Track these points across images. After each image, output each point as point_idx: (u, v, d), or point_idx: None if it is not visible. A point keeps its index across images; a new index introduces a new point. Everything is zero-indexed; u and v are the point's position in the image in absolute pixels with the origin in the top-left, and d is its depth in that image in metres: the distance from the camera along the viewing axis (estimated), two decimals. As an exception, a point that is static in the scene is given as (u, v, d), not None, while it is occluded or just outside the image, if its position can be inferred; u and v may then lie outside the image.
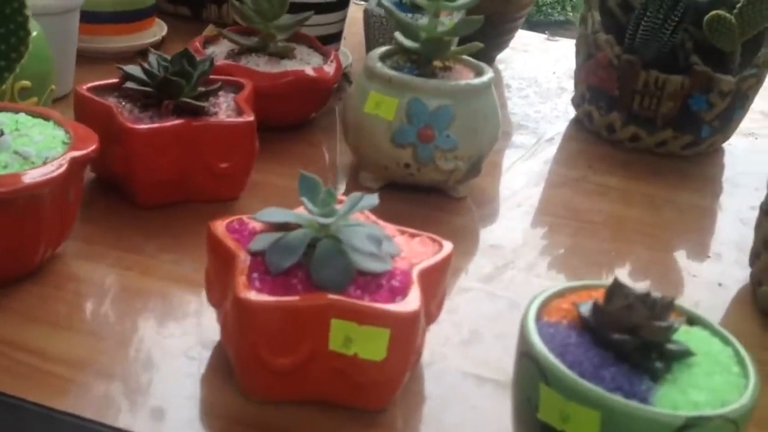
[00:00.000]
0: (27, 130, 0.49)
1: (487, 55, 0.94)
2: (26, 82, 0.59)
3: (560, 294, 0.40)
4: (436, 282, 0.45)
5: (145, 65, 0.59)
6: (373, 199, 0.45)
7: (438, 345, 0.48)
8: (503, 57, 0.97)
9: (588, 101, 0.80)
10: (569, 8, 3.27)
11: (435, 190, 0.65)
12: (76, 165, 0.47)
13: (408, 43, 0.65)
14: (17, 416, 0.41)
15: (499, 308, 0.53)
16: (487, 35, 0.80)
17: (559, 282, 0.55)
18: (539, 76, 0.94)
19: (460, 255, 0.58)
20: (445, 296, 0.47)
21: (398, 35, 0.66)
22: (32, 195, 0.44)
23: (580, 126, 0.82)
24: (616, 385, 0.34)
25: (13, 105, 0.52)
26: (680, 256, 0.63)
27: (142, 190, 0.57)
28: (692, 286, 0.58)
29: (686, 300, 0.52)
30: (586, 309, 0.37)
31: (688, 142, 0.76)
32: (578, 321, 0.37)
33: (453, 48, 0.65)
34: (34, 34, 0.59)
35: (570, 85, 0.90)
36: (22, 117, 0.50)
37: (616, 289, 0.37)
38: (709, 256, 0.62)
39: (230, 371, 0.43)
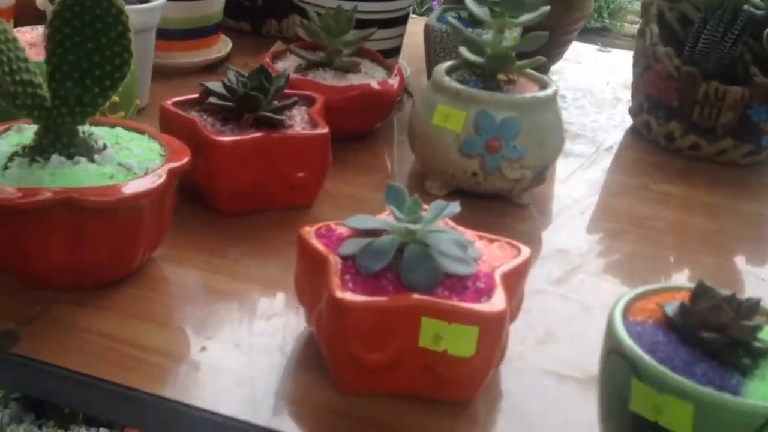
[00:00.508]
0: (126, 143, 0.52)
1: (543, 67, 0.96)
2: (116, 98, 0.62)
3: (643, 296, 0.41)
4: (515, 284, 0.47)
5: (226, 81, 0.62)
6: (455, 207, 0.47)
7: (515, 344, 0.50)
8: (557, 68, 0.98)
9: (646, 111, 0.81)
10: (605, 15, 3.28)
11: (499, 197, 0.67)
12: (172, 176, 0.50)
13: (473, 57, 0.67)
14: (126, 403, 0.43)
15: (571, 310, 0.55)
16: (543, 48, 0.82)
17: (627, 286, 0.57)
18: (593, 87, 0.95)
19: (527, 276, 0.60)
20: (523, 298, 0.49)
21: (463, 50, 0.68)
22: (135, 204, 0.47)
23: (637, 135, 0.83)
24: (708, 379, 0.35)
25: (109, 120, 0.55)
26: (743, 262, 0.64)
27: (224, 200, 0.60)
28: (761, 291, 0.59)
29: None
30: (672, 309, 0.39)
31: (748, 151, 0.77)
32: (664, 320, 0.39)
33: (517, 63, 0.67)
34: (120, 52, 0.63)
35: (624, 95, 0.91)
36: (119, 131, 0.53)
37: (702, 290, 0.39)
38: (773, 263, 0.63)
39: (320, 366, 0.46)
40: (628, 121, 0.85)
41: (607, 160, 0.79)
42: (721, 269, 0.62)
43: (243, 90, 0.61)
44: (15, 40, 0.46)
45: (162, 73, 0.84)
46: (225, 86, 0.62)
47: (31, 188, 0.45)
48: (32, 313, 0.48)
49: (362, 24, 0.78)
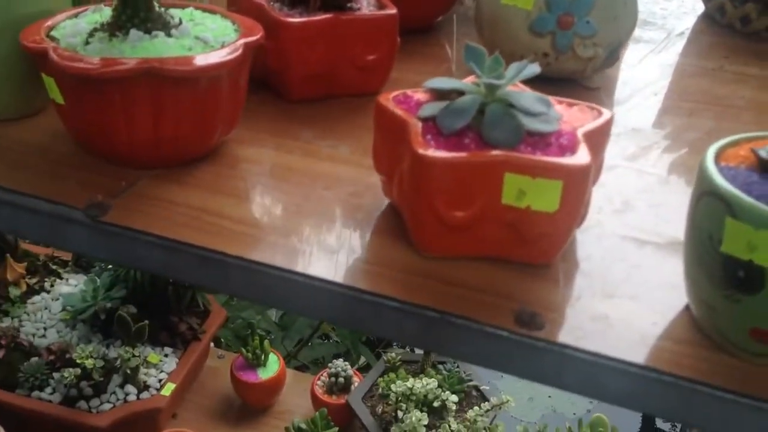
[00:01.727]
0: (200, 20, 0.52)
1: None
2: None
3: (735, 143, 0.40)
4: (598, 145, 0.46)
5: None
6: (535, 67, 0.46)
7: (593, 213, 0.50)
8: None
9: (719, -6, 0.78)
10: None
11: (569, 81, 0.66)
12: (248, 50, 0.50)
13: (542, -67, 0.65)
14: (213, 267, 0.45)
15: (648, 182, 0.54)
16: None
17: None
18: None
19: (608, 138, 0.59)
20: (603, 162, 0.48)
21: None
22: (213, 76, 0.47)
23: (710, 21, 0.80)
24: (805, 214, 0.34)
25: (180, 2, 0.55)
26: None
27: (294, 83, 0.60)
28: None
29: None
30: (766, 152, 0.38)
31: (828, 30, 0.74)
32: (758, 163, 0.38)
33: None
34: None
35: (694, -17, 0.88)
36: (192, 11, 0.54)
37: (796, 132, 0.38)
38: None
39: (402, 234, 0.46)
40: (700, 8, 0.82)
41: (679, 45, 0.76)
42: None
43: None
44: None
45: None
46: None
47: (113, 58, 0.45)
48: (118, 187, 0.49)
49: None
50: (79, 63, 0.45)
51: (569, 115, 0.47)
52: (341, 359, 1.41)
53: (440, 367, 1.38)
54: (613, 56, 0.64)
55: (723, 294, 0.37)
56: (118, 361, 1.19)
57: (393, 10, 0.61)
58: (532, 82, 0.64)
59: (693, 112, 0.64)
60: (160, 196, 0.49)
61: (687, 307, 0.42)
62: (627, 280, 0.45)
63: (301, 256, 0.45)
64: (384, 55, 0.61)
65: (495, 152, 0.42)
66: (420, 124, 0.44)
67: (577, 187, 0.42)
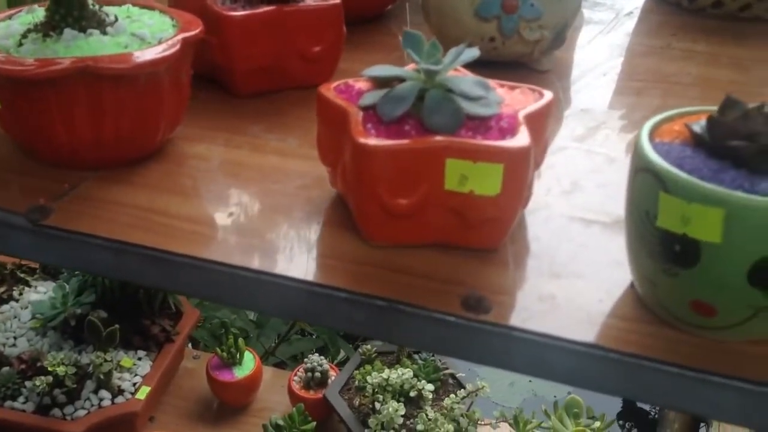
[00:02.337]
0: (137, 17, 0.51)
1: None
2: (123, -17, 0.61)
3: (670, 119, 0.41)
4: (540, 127, 0.46)
5: (232, -42, 0.61)
6: (474, 51, 0.46)
7: (541, 195, 0.50)
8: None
9: (666, -28, 0.79)
10: None
11: (519, 65, 0.66)
12: (186, 45, 0.49)
13: None
14: (163, 266, 0.44)
15: (596, 162, 0.54)
16: None
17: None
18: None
19: (550, 119, 0.59)
20: (547, 145, 0.48)
21: None
22: (152, 72, 0.47)
23: (659, 0, 0.81)
24: (737, 185, 0.35)
25: (118, 0, 0.55)
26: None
27: (239, 78, 0.60)
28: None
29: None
30: (699, 126, 0.38)
31: (773, 4, 0.75)
32: (691, 138, 0.38)
33: None
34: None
35: (644, -38, 0.88)
36: (129, 8, 0.53)
37: (730, 103, 0.38)
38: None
39: (349, 225, 0.46)
40: (649, -13, 0.83)
41: (628, 25, 0.77)
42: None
43: (251, -35, 0.60)
44: None
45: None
46: (232, -37, 0.61)
47: (47, 59, 0.45)
48: (60, 190, 0.48)
49: None
50: (12, 65, 0.44)
51: (511, 98, 0.47)
52: (317, 354, 1.41)
53: (416, 357, 1.38)
54: (559, 38, 0.64)
55: (662, 268, 0.38)
56: (91, 367, 1.18)
57: (337, 0, 0.61)
58: (480, 66, 0.64)
59: (641, 91, 0.64)
60: (105, 198, 0.48)
61: (632, 284, 0.42)
62: (574, 259, 0.45)
63: (250, 252, 0.45)
64: (330, 45, 0.61)
65: (436, 138, 0.42)
66: (361, 113, 0.44)
67: (518, 169, 0.42)
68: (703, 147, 0.37)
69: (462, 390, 1.28)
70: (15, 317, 1.28)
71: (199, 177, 0.51)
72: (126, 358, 1.25)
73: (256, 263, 0.44)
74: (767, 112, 0.37)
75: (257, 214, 0.48)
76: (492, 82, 0.48)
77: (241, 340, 1.39)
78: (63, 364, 1.17)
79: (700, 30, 0.74)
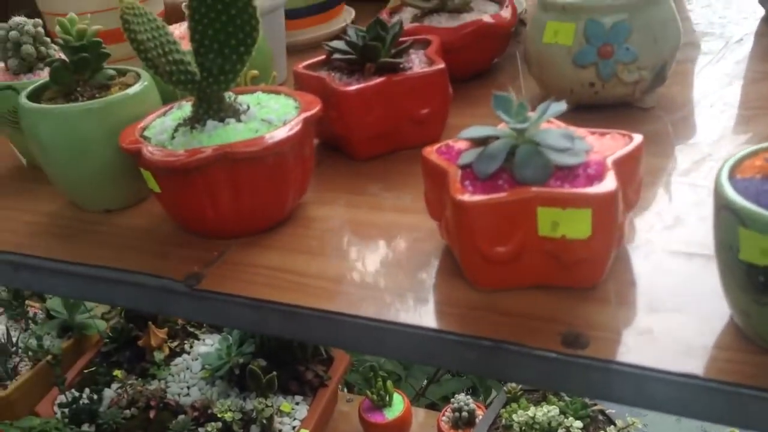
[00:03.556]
0: (266, 103, 0.59)
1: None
2: (255, 72, 0.70)
3: (753, 153, 0.42)
4: (630, 169, 0.49)
5: (346, 38, 0.68)
6: (561, 105, 0.50)
7: (643, 232, 0.52)
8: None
9: (775, -5, 0.78)
10: None
11: (623, 105, 0.68)
12: (308, 123, 0.56)
13: (577, -30, 0.68)
14: (297, 319, 0.50)
15: (700, 196, 0.56)
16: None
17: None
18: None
19: (657, 156, 0.61)
20: (641, 183, 0.51)
21: (566, -34, 0.70)
22: (278, 152, 0.54)
23: (769, 22, 0.80)
24: (812, 216, 0.36)
25: (249, 88, 0.63)
26: None
27: (358, 144, 0.66)
28: None
29: None
30: (777, 160, 0.40)
31: None
32: (770, 172, 0.40)
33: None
34: (254, 31, 0.71)
35: (754, -14, 0.88)
36: (260, 95, 0.61)
37: (804, 137, 0.39)
38: None
39: (458, 272, 0.50)
40: (760, 11, 0.82)
41: (739, 53, 0.77)
42: None
43: (362, 42, 0.67)
44: (164, 26, 0.54)
45: (295, 50, 0.92)
46: (346, 42, 0.68)
47: (194, 148, 0.53)
48: (211, 258, 0.56)
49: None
50: (167, 156, 0.53)
51: (601, 145, 0.50)
52: (464, 394, 1.45)
53: (562, 394, 1.38)
54: (660, 77, 0.66)
55: (752, 299, 0.39)
56: (254, 413, 1.28)
57: (441, 65, 0.66)
58: (585, 110, 0.68)
59: (751, 120, 0.65)
60: (245, 261, 0.55)
61: (731, 316, 0.43)
62: (673, 293, 0.47)
63: (372, 302, 0.50)
64: (437, 106, 0.66)
65: (526, 190, 0.46)
66: (459, 172, 0.49)
67: (606, 212, 0.45)
68: (781, 180, 0.39)
69: (612, 426, 1.27)
70: (187, 368, 1.41)
71: (324, 237, 0.58)
72: (285, 403, 1.34)
73: (375, 312, 0.49)
74: (843, 142, 0.38)
75: (377, 267, 0.54)
76: (582, 131, 0.51)
77: (389, 383, 1.45)
78: (230, 410, 1.28)
79: (814, 50, 0.73)
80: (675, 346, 0.43)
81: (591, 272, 0.47)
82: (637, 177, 0.50)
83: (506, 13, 0.78)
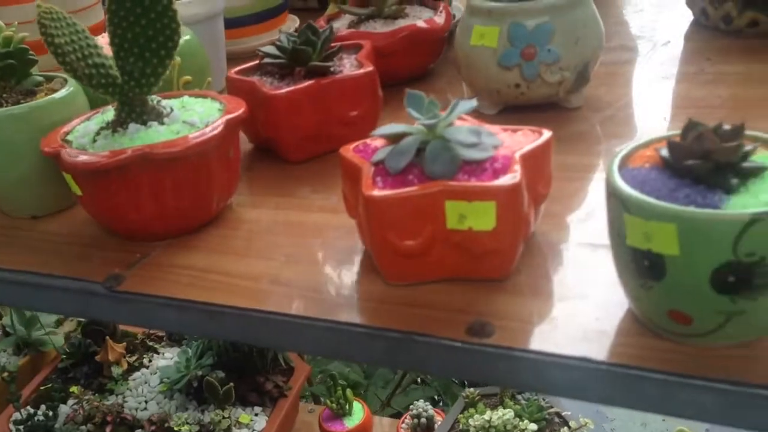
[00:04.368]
0: (191, 106, 0.60)
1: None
2: (188, 77, 0.71)
3: (646, 144, 0.44)
4: (539, 164, 0.50)
5: (278, 43, 0.69)
6: (472, 102, 0.51)
7: (554, 224, 0.53)
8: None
9: (700, -2, 0.80)
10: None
11: (551, 105, 0.70)
12: (230, 125, 0.57)
13: (502, -25, 0.70)
14: (218, 319, 0.51)
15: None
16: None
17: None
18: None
19: (579, 154, 0.63)
20: (551, 177, 0.52)
21: (494, -29, 0.71)
22: (200, 152, 0.55)
23: (698, 26, 0.82)
24: (690, 200, 0.38)
25: (176, 93, 0.63)
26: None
27: (289, 147, 0.67)
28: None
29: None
30: (664, 150, 0.41)
31: (811, 16, 0.75)
32: (659, 162, 0.41)
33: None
34: (187, 37, 0.72)
35: (684, -9, 0.90)
36: (186, 99, 0.62)
37: (691, 126, 0.41)
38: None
39: (373, 267, 0.51)
40: (689, 16, 0.85)
41: (664, 54, 0.79)
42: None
43: (292, 47, 0.68)
44: (84, 30, 0.55)
45: (239, 58, 0.93)
46: (277, 47, 0.69)
47: (115, 150, 0.53)
48: (133, 259, 0.56)
49: (405, -27, 0.83)
50: (86, 159, 0.53)
51: (512, 141, 0.51)
52: (422, 401, 1.45)
53: (519, 397, 1.39)
54: (582, 77, 0.68)
55: (640, 284, 0.40)
56: (212, 425, 1.27)
57: (370, 68, 0.67)
58: (513, 111, 0.69)
59: (675, 118, 0.66)
60: (169, 263, 0.56)
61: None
62: (578, 283, 0.48)
63: (291, 300, 0.51)
64: (367, 108, 0.67)
65: (434, 184, 0.47)
66: (372, 168, 0.50)
67: (509, 204, 0.46)
68: (667, 168, 0.40)
69: (566, 428, 1.28)
70: (145, 383, 1.40)
71: (251, 238, 0.59)
72: (244, 415, 1.34)
73: (293, 309, 0.50)
74: (722, 131, 0.40)
75: (299, 265, 0.54)
76: (495, 128, 0.52)
77: (349, 391, 1.45)
78: (187, 423, 1.27)
79: (736, 51, 0.75)
80: (575, 332, 0.44)
81: (499, 264, 0.48)
82: (546, 171, 0.51)
83: (440, 19, 0.79)
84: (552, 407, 1.34)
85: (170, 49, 0.55)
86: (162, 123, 0.57)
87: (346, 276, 0.52)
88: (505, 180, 0.46)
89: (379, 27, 0.79)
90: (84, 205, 0.58)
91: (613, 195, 0.40)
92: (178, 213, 0.56)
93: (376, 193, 0.47)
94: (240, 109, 0.59)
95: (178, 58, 0.69)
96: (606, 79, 0.74)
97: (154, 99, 0.58)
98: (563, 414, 1.34)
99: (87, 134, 0.57)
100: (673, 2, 0.90)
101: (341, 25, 0.82)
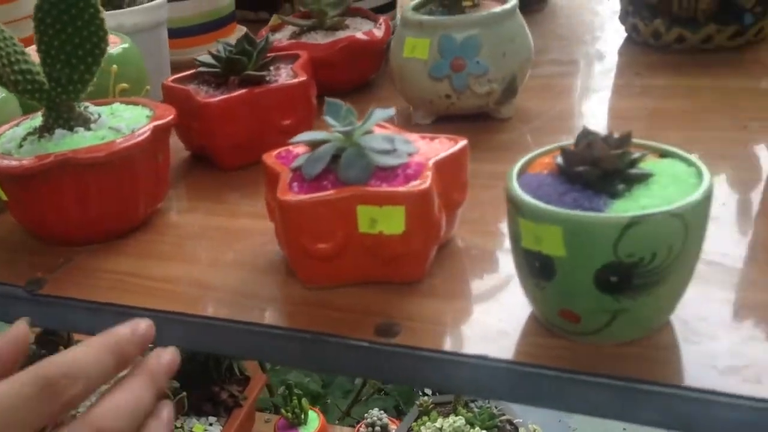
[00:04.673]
0: (120, 113, 0.61)
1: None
2: (124, 85, 0.72)
3: (548, 152, 0.45)
4: (453, 171, 0.52)
5: (214, 52, 0.71)
6: (390, 111, 0.53)
7: (469, 230, 0.55)
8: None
9: (632, 14, 0.83)
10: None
11: (484, 115, 0.72)
12: (158, 131, 0.58)
13: (435, -11, 0.72)
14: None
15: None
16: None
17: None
18: (586, 2, 0.98)
19: (505, 162, 0.64)
20: (467, 184, 0.54)
21: (428, -15, 0.73)
22: (125, 157, 0.56)
23: (630, 42, 0.85)
24: (576, 204, 0.39)
25: (108, 100, 0.64)
26: (714, 130, 0.65)
27: (222, 155, 0.68)
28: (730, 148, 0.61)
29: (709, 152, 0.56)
30: (559, 156, 0.43)
31: (733, 33, 0.78)
32: (556, 168, 0.43)
33: (473, -15, 0.71)
34: (126, 45, 0.72)
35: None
36: (116, 105, 0.63)
37: (584, 134, 0.43)
38: (745, 126, 0.64)
39: (291, 271, 0.52)
40: (623, 32, 0.87)
41: (597, 68, 0.81)
42: (688, 139, 0.63)
43: (227, 56, 0.69)
44: (12, 37, 0.55)
45: (184, 68, 0.93)
46: (213, 56, 0.70)
47: (36, 156, 0.54)
48: (56, 263, 0.57)
49: (348, -14, 0.85)
50: (10, 163, 0.54)
51: (428, 148, 0.52)
52: (377, 409, 1.46)
53: (471, 405, 1.41)
54: (511, 88, 0.70)
55: (534, 283, 0.42)
56: (163, 434, 1.27)
57: (303, 78, 0.69)
58: (446, 121, 0.71)
59: (594, 129, 0.68)
60: (92, 267, 0.56)
61: (534, 303, 0.46)
62: (488, 286, 0.50)
63: (211, 304, 0.52)
64: (300, 117, 0.69)
65: (346, 189, 0.48)
66: (290, 175, 0.51)
67: (418, 209, 0.47)
68: (561, 174, 0.42)
69: (515, 435, 1.30)
70: (98, 392, 1.40)
71: (178, 243, 0.59)
72: (198, 425, 1.34)
73: (212, 312, 0.51)
74: (611, 140, 0.41)
75: (223, 270, 0.55)
76: (413, 136, 0.54)
77: (304, 400, 1.46)
78: (139, 431, 1.27)
79: (664, 66, 0.77)
80: (478, 332, 0.45)
81: (411, 267, 0.49)
82: (461, 178, 0.53)
83: (379, 31, 0.81)
84: (504, 415, 1.35)
85: (97, 56, 0.56)
86: (89, 129, 0.58)
87: (267, 280, 0.53)
88: (415, 186, 0.47)
89: (319, 38, 0.81)
90: (11, 210, 0.59)
91: (509, 200, 0.42)
92: (103, 218, 0.57)
93: (289, 197, 0.48)
94: (169, 116, 0.60)
95: (114, 66, 0.71)
96: (539, 92, 0.76)
97: (81, 105, 0.59)
98: (515, 421, 1.36)
99: (14, 139, 0.58)
100: (610, 19, 0.93)
101: (283, 36, 0.83)
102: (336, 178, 0.49)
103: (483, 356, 0.43)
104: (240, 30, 1.02)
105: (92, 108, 0.60)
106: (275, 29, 0.85)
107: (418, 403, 1.41)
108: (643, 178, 0.40)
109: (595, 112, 0.73)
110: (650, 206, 0.38)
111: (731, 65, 0.76)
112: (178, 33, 0.94)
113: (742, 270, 0.48)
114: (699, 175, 0.41)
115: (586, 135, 0.42)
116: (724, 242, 0.50)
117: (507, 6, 0.69)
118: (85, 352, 0.36)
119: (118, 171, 0.56)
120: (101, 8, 0.56)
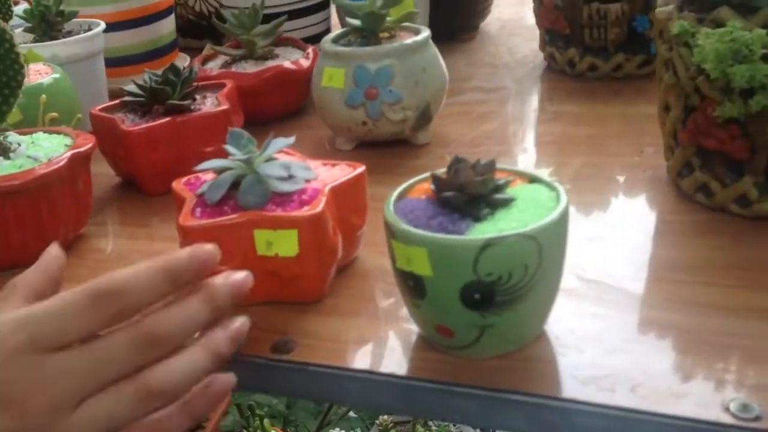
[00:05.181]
0: (40, 142, 0.63)
1: (470, 24, 1.04)
2: (54, 114, 0.74)
3: (426, 179, 0.48)
4: (351, 196, 0.55)
5: (140, 82, 0.73)
6: (290, 140, 0.56)
7: (372, 252, 0.58)
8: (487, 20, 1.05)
9: (548, 43, 0.87)
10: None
11: (402, 142, 0.75)
12: (77, 159, 0.60)
13: (353, 21, 0.75)
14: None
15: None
16: (467, 3, 0.91)
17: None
18: (517, 30, 1.02)
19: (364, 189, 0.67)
20: (366, 208, 0.57)
21: (348, 18, 0.77)
22: (41, 184, 0.58)
23: (549, 70, 0.89)
24: (441, 228, 0.42)
25: (31, 129, 0.66)
26: (615, 155, 0.69)
27: (146, 181, 0.71)
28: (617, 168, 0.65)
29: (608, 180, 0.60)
30: (432, 183, 0.46)
31: (642, 62, 0.82)
32: (432, 194, 0.46)
33: (389, 19, 0.74)
34: (57, 76, 0.75)
35: (544, 36, 0.97)
36: (38, 135, 0.65)
37: (456, 161, 0.46)
38: (642, 151, 0.68)
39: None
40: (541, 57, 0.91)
41: (515, 95, 0.85)
42: (588, 164, 0.67)
43: (151, 86, 0.72)
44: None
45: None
46: (138, 86, 0.73)
47: (-48, 184, 0.56)
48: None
49: (278, 16, 0.88)
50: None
51: (328, 175, 0.55)
52: (338, 429, 1.48)
53: (430, 424, 1.43)
54: (425, 115, 0.73)
55: (410, 302, 0.45)
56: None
57: (225, 107, 0.71)
58: (365, 146, 0.74)
59: (503, 153, 0.72)
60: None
61: (421, 320, 0.49)
62: (383, 305, 0.52)
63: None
64: (222, 145, 0.71)
65: (244, 214, 0.51)
66: (195, 200, 0.53)
67: (311, 233, 0.50)
68: (434, 200, 0.45)
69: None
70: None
71: (95, 266, 0.62)
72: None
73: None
74: (479, 166, 0.45)
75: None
76: (315, 163, 0.57)
77: (266, 421, 1.47)
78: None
79: (576, 93, 0.81)
80: (367, 348, 0.48)
81: (308, 287, 0.52)
82: (360, 202, 0.56)
83: (306, 61, 0.84)
84: (458, 433, 1.38)
85: (14, 88, 0.59)
86: (7, 158, 0.60)
87: (177, 301, 0.56)
88: (307, 210, 0.50)
89: (249, 67, 0.83)
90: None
91: (385, 223, 0.45)
92: (23, 244, 0.59)
93: (189, 222, 0.51)
94: (87, 144, 0.62)
95: (44, 96, 0.73)
96: (458, 118, 0.80)
97: (2, 135, 0.61)
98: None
99: (-66, 169, 0.60)
100: (531, 48, 0.97)
101: (215, 66, 0.86)
102: (236, 203, 0.52)
103: (369, 370, 0.46)
104: (183, 58, 1.05)
105: (12, 137, 0.62)
106: (208, 59, 0.88)
107: (378, 422, 1.43)
108: (506, 202, 0.43)
109: (508, 137, 0.76)
110: (507, 229, 0.41)
111: (640, 92, 0.80)
112: (118, 62, 0.96)
113: (618, 288, 0.51)
114: (557, 197, 0.44)
115: (457, 162, 0.45)
116: (607, 262, 0.54)
117: (419, 37, 0.73)
118: (137, 271, 0.41)
119: (34, 198, 0.58)
120: (16, 42, 0.59)
